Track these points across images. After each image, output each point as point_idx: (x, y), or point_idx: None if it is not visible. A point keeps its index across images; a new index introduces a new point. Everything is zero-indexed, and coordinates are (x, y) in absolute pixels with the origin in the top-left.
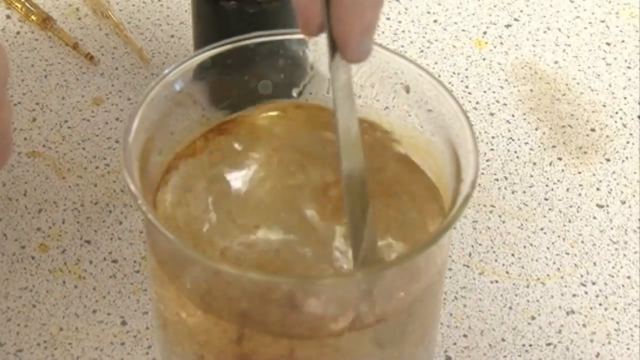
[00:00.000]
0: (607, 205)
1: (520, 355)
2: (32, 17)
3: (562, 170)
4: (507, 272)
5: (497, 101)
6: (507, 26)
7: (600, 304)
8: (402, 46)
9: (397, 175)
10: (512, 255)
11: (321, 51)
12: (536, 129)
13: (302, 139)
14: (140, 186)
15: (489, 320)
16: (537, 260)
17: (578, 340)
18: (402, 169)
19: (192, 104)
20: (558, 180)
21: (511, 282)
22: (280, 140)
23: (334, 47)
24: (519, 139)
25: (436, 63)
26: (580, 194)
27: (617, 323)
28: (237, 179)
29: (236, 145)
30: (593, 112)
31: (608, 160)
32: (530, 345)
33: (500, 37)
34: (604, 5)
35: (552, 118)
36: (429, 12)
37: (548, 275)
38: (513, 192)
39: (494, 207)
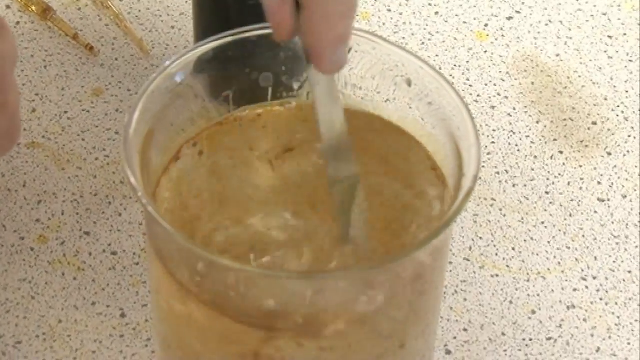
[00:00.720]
0: (608, 199)
1: (520, 350)
2: (32, 7)
3: (563, 164)
4: (507, 266)
5: (499, 94)
6: (509, 19)
7: (600, 299)
8: (403, 38)
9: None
10: (513, 249)
11: None
12: (537, 122)
13: (300, 134)
14: (140, 179)
15: (490, 315)
16: (537, 255)
17: (578, 335)
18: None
19: (193, 97)
20: (559, 174)
21: (512, 276)
22: (280, 134)
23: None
24: (520, 132)
25: (437, 55)
26: (581, 188)
27: (618, 318)
28: (238, 173)
29: (236, 139)
30: (594, 105)
31: (609, 154)
32: (531, 340)
33: (502, 29)
34: None
35: (553, 111)
36: (430, 4)
37: (549, 269)
38: (514, 186)
39: (495, 200)
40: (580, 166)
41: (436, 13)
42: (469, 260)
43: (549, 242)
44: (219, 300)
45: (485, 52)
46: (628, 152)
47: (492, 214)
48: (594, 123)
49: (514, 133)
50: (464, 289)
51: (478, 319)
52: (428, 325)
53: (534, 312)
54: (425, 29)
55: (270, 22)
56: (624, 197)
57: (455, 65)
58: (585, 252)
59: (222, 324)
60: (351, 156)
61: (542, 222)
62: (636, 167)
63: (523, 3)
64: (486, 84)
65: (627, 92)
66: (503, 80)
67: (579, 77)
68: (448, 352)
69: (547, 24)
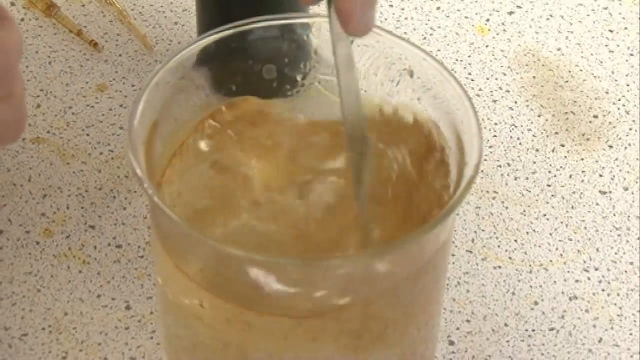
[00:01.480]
0: (610, 192)
1: (523, 341)
2: (37, 4)
3: (565, 157)
4: (510, 258)
5: (500, 88)
6: (510, 13)
7: (603, 290)
8: (405, 33)
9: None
10: (515, 241)
11: (325, 36)
12: (539, 116)
13: (303, 124)
14: (146, 170)
15: (492, 306)
16: (540, 247)
17: (581, 326)
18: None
19: (197, 89)
20: (561, 167)
21: (514, 268)
22: (282, 124)
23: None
24: (522, 126)
25: (439, 50)
26: (583, 181)
27: (620, 309)
28: (241, 162)
29: (239, 130)
30: (596, 99)
31: (611, 147)
32: (534, 331)
33: (504, 24)
34: None
35: (555, 105)
36: (431, 0)
37: (551, 261)
38: (516, 179)
39: (497, 193)
40: (582, 159)
41: (438, 8)
42: (471, 252)
43: (551, 235)
44: (225, 290)
45: (487, 46)
46: (629, 145)
47: (494, 206)
48: (596, 116)
49: (516, 127)
50: (466, 281)
51: (481, 310)
52: (431, 317)
53: (536, 304)
54: (427, 24)
55: None
56: (626, 189)
57: (457, 60)
58: (588, 244)
59: (228, 314)
60: (365, 115)
61: (545, 215)
62: (637, 159)
63: None
64: (488, 79)
65: (628, 85)
66: (505, 75)
67: (581, 71)
68: (451, 343)
69: (548, 19)
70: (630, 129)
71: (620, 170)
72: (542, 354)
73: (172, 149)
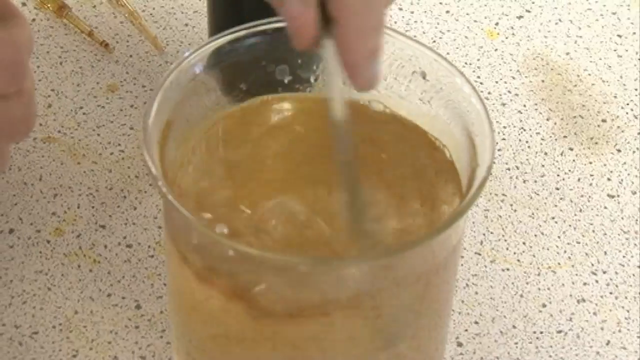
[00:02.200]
0: (618, 196)
1: (531, 342)
2: (48, 4)
3: (573, 161)
4: (518, 260)
5: (509, 91)
6: (519, 17)
7: (610, 293)
8: (415, 36)
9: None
10: (524, 243)
11: None
12: (548, 120)
13: (317, 124)
14: (160, 168)
15: (500, 308)
16: (548, 249)
17: (589, 328)
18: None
19: (208, 90)
20: (569, 170)
21: (522, 270)
22: (296, 123)
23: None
24: (530, 129)
25: (448, 53)
26: (591, 184)
27: (628, 312)
28: (254, 162)
29: (253, 130)
30: (604, 103)
31: (619, 150)
32: (541, 333)
33: (512, 28)
34: None
35: (563, 109)
36: (441, 3)
37: (559, 263)
38: (524, 182)
39: (506, 196)
40: (590, 163)
41: (447, 12)
42: (480, 254)
43: (559, 237)
44: (237, 290)
45: (496, 50)
46: (637, 149)
47: (503, 209)
48: (604, 120)
49: (524, 130)
50: (475, 283)
51: (489, 312)
52: (441, 318)
53: (544, 306)
54: (436, 28)
55: (289, 27)
56: (634, 193)
57: (466, 63)
58: (595, 247)
59: (239, 314)
60: (351, 137)
61: (553, 218)
62: None
63: (533, 2)
64: (497, 82)
65: (636, 90)
66: (513, 78)
67: (589, 75)
68: (459, 345)
69: (557, 23)
70: (638, 133)
71: (628, 174)
72: (550, 356)
73: (183, 149)
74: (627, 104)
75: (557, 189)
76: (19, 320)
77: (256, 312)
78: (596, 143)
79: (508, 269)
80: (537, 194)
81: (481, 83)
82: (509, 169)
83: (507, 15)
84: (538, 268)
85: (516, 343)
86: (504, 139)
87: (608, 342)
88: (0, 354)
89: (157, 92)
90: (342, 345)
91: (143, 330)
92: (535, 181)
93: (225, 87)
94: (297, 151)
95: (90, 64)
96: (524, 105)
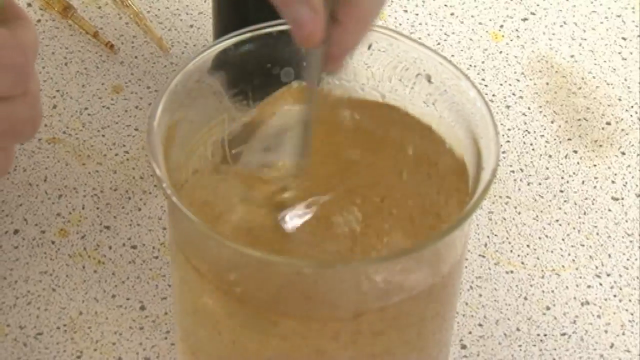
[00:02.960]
0: (622, 198)
1: (535, 345)
2: (53, 5)
3: (578, 163)
4: (522, 263)
5: (514, 94)
6: (524, 20)
7: (614, 295)
8: (419, 38)
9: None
10: (528, 246)
11: None
12: (552, 122)
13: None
14: (165, 170)
15: (504, 310)
16: (552, 252)
17: (592, 331)
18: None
19: (213, 92)
20: (573, 173)
21: (526, 272)
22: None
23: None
24: (534, 132)
25: (453, 56)
26: (595, 187)
27: (632, 314)
28: (261, 164)
29: (259, 130)
30: (609, 105)
31: (623, 153)
32: (545, 335)
33: (517, 30)
34: (620, 0)
35: (567, 111)
36: (446, 5)
37: (563, 266)
38: (529, 184)
39: (510, 198)
40: (595, 165)
41: (452, 14)
42: (484, 256)
43: (563, 240)
44: (243, 292)
45: (501, 52)
46: None
47: (507, 211)
48: (608, 123)
49: (528, 132)
50: (479, 285)
51: (493, 314)
52: (445, 320)
53: (548, 308)
54: (441, 30)
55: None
56: (638, 196)
57: (470, 66)
58: (599, 250)
59: (245, 316)
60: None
61: (557, 220)
62: None
63: (538, 5)
64: (501, 84)
65: None
66: (518, 81)
67: (593, 77)
68: (463, 347)
69: (561, 26)
70: None
71: (633, 177)
72: (554, 359)
73: (188, 150)
74: (632, 107)
75: (561, 191)
76: (23, 320)
77: (261, 314)
78: (600, 146)
79: (512, 272)
80: (541, 197)
81: (486, 85)
82: (513, 172)
83: (511, 17)
84: (542, 271)
85: (520, 345)
86: (508, 141)
87: (612, 345)
88: (4, 355)
89: (162, 94)
90: (347, 349)
91: (147, 331)
92: (540, 184)
93: (231, 89)
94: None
95: (95, 65)
96: (529, 108)
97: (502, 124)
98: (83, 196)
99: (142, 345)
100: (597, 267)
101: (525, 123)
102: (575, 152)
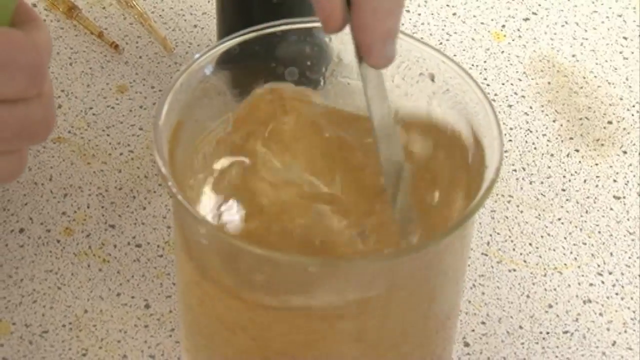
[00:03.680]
0: (624, 197)
1: (537, 343)
2: (58, 6)
3: (580, 162)
4: (524, 261)
5: (515, 93)
6: (526, 20)
7: (616, 294)
8: (422, 38)
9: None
10: (530, 244)
11: (347, 39)
12: (554, 121)
13: (326, 122)
14: (169, 168)
15: (507, 308)
16: (554, 250)
17: (595, 329)
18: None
19: (217, 92)
20: (575, 172)
21: (529, 270)
22: (305, 121)
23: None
24: (536, 131)
25: (455, 55)
26: (597, 186)
27: (634, 312)
28: (266, 161)
29: (263, 129)
30: (610, 105)
31: (625, 152)
32: (548, 333)
33: (519, 30)
34: (621, 0)
35: (569, 110)
36: (448, 5)
37: (565, 264)
38: (531, 183)
39: (512, 197)
40: (596, 164)
41: (454, 14)
42: (486, 255)
43: (565, 238)
44: (247, 290)
45: (503, 52)
46: None
47: (509, 210)
48: (610, 122)
49: (530, 131)
50: (482, 283)
51: (496, 312)
52: (448, 318)
53: (550, 306)
54: (443, 30)
55: (319, 15)
56: (639, 194)
57: (472, 65)
58: (601, 248)
59: (249, 313)
60: (398, 139)
61: (559, 219)
62: None
63: (539, 4)
64: (503, 84)
65: None
66: (520, 80)
67: (595, 77)
68: (466, 345)
69: (563, 25)
70: None
71: (634, 176)
72: (556, 356)
73: (193, 149)
74: (633, 106)
75: (563, 190)
76: (29, 319)
77: (265, 311)
78: (602, 145)
79: (514, 270)
80: (544, 195)
81: (488, 85)
82: (515, 170)
83: (513, 17)
84: (544, 269)
85: (522, 343)
86: (510, 140)
87: (614, 343)
88: (10, 353)
89: (167, 94)
90: (351, 345)
91: (152, 329)
92: (542, 182)
93: (235, 89)
94: (306, 149)
95: (100, 65)
96: (530, 107)
97: (504, 124)
98: (88, 195)
99: (147, 343)
100: (599, 266)
101: (527, 122)
102: (577, 151)
